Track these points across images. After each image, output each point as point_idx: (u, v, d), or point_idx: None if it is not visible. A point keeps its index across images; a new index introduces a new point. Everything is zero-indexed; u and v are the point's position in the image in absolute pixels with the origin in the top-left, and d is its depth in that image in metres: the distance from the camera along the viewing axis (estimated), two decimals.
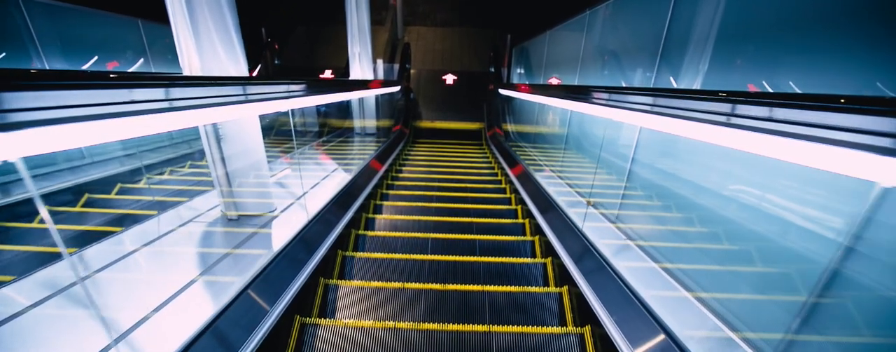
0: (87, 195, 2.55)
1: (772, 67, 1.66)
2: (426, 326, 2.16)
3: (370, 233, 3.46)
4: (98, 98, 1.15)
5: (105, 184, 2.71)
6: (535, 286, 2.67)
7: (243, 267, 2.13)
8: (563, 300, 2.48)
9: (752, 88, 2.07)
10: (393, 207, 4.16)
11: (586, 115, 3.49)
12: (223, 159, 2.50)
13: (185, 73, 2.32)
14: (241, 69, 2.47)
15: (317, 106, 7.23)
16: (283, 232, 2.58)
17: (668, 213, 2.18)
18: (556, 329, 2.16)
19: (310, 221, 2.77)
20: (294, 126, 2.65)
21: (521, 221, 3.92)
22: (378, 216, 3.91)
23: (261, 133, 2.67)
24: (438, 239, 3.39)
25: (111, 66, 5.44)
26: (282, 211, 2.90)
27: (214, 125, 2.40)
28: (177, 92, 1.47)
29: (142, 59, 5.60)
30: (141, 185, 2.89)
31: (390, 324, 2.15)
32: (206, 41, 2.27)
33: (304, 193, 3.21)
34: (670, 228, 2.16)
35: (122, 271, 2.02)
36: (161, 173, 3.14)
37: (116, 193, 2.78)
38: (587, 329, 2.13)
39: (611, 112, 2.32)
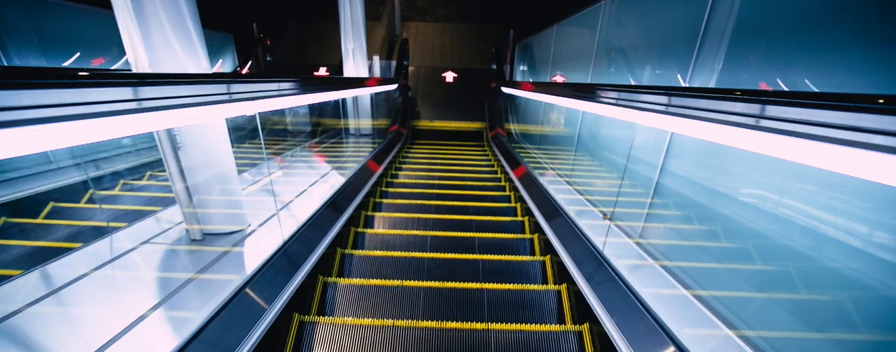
0: (2, 219, 2.14)
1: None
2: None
3: (360, 249, 3.09)
4: None
5: (34, 203, 2.30)
6: (548, 323, 2.32)
7: (204, 299, 1.77)
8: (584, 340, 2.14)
9: (763, 86, 1.75)
10: (388, 215, 3.81)
11: (602, 117, 3.12)
12: (181, 171, 2.13)
13: (134, 70, 1.95)
14: (202, 65, 2.10)
15: (308, 105, 6.88)
16: (256, 252, 2.23)
17: (736, 257, 1.81)
18: None
19: (289, 238, 2.41)
20: (262, 130, 2.28)
21: (529, 236, 3.56)
22: (369, 233, 3.55)
23: (228, 140, 2.30)
24: (438, 247, 3.04)
25: (96, 63, 5.12)
26: (258, 226, 2.54)
27: (169, 132, 2.03)
28: (96, 94, 1.11)
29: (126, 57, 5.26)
30: (81, 204, 2.48)
31: None
32: (157, 32, 1.90)
33: (283, 207, 2.85)
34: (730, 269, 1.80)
35: (57, 304, 1.66)
36: (111, 188, 2.74)
37: (44, 217, 2.34)
38: None
39: (636, 115, 1.95)
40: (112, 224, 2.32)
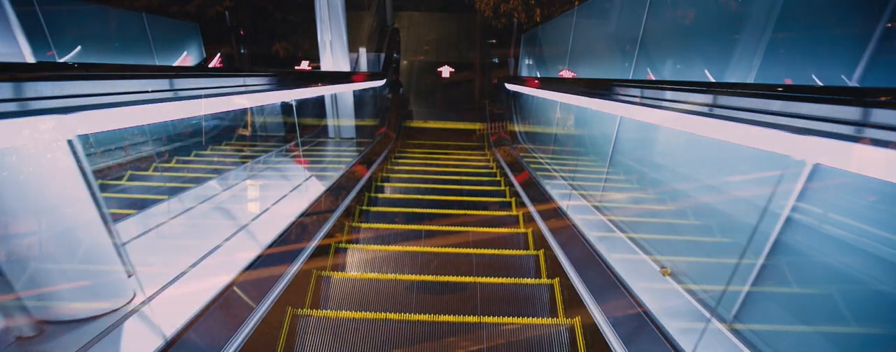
0: None
1: None
2: None
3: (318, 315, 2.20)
4: None
5: None
6: None
7: None
8: None
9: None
10: (357, 277, 2.77)
11: (657, 129, 2.25)
12: None
13: None
14: (12, 49, 1.21)
15: (280, 103, 5.95)
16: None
17: None
18: None
19: (186, 325, 1.53)
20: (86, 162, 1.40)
21: (566, 323, 2.69)
22: (316, 316, 2.51)
23: (79, 171, 1.41)
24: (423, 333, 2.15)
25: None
26: (150, 298, 1.66)
27: None
28: None
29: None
30: None
31: None
32: None
33: (176, 278, 1.95)
34: None
35: None
36: None
37: None
38: None
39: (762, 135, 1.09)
40: None
